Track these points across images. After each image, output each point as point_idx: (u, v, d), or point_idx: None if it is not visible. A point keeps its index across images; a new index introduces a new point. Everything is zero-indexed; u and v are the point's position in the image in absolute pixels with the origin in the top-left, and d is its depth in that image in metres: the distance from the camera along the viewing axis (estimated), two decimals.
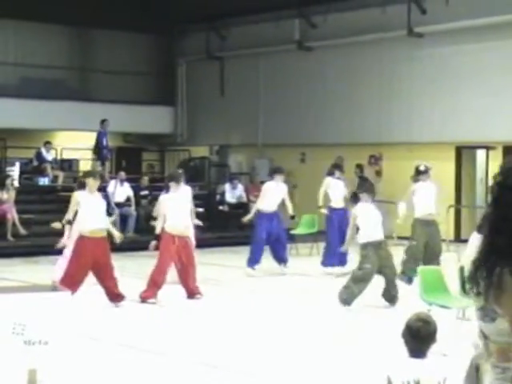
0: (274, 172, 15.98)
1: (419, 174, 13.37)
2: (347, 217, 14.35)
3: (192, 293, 12.73)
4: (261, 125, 25.77)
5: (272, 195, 15.50)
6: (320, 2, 23.67)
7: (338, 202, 16.01)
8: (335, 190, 16.02)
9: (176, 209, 12.53)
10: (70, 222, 11.83)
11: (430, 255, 13.35)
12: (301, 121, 24.48)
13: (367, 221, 11.86)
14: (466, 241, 10.52)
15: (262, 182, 23.31)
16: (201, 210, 21.97)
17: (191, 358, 9.08)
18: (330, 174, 16.07)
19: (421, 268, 11.21)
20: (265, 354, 9.42)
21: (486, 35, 20.54)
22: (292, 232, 18.80)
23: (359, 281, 11.80)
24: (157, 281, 12.47)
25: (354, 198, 12.50)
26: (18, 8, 23.97)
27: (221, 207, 22.46)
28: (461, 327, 9.36)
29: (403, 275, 13.09)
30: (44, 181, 22.30)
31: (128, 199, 20.98)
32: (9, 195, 19.19)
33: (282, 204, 15.91)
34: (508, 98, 20.35)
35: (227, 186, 22.67)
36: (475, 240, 9.59)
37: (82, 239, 11.59)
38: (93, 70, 26.91)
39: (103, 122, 23.17)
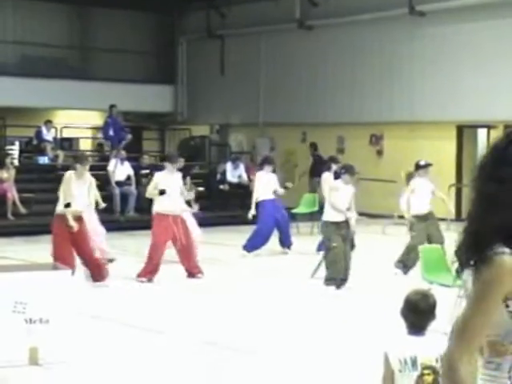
0: (263, 163, 15.99)
1: (419, 168, 13.31)
2: None
3: (192, 272, 12.74)
4: (261, 104, 25.71)
5: (266, 184, 15.50)
6: None
7: None
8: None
9: (169, 189, 12.53)
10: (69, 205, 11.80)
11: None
12: (302, 100, 24.42)
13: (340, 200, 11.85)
14: None
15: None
16: (201, 188, 22.00)
17: (191, 336, 9.09)
18: (328, 168, 15.88)
19: (422, 247, 11.20)
20: (265, 332, 9.43)
21: (488, 14, 20.43)
22: (293, 211, 18.80)
23: (335, 261, 11.79)
24: (153, 259, 12.49)
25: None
26: None
27: (221, 186, 22.43)
28: (461, 305, 9.36)
29: (400, 263, 13.10)
30: (44, 160, 22.25)
31: (128, 178, 20.95)
32: (9, 174, 19.18)
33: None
34: (509, 76, 20.28)
35: (229, 166, 22.60)
36: None
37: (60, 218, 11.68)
38: (93, 48, 26.85)
39: (111, 107, 23.11)
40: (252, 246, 15.47)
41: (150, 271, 12.50)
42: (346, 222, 11.84)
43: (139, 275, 12.49)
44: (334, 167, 15.17)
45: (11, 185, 19.08)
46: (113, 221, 19.47)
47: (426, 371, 4.79)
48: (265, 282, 12.77)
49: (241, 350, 8.60)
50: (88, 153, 25.06)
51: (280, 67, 24.98)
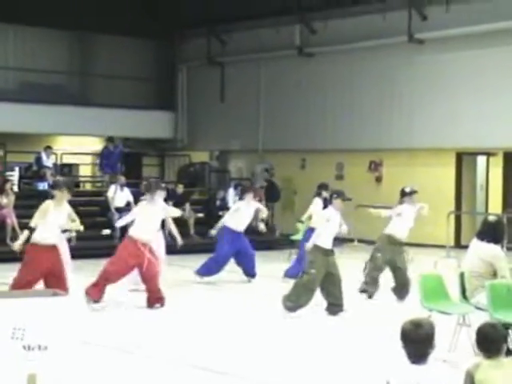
0: (243, 192, 15.94)
1: (404, 195, 13.38)
2: None
3: (152, 300, 12.53)
4: (261, 130, 25.78)
5: (242, 216, 15.37)
6: (320, 8, 23.72)
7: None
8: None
9: (147, 219, 12.48)
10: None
11: (397, 267, 13.31)
12: (301, 126, 24.49)
13: (327, 227, 11.83)
14: (466, 247, 10.51)
15: (262, 187, 23.43)
16: (200, 214, 22.01)
17: (189, 362, 9.05)
18: (318, 194, 15.90)
19: (421, 274, 11.16)
20: (255, 355, 9.40)
21: (486, 41, 20.57)
22: (292, 238, 18.82)
23: (306, 288, 11.73)
24: (108, 278, 12.36)
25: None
26: (19, 12, 24.00)
27: (221, 212, 22.40)
28: (461, 333, 9.35)
29: (366, 286, 13.20)
30: (44, 185, 22.25)
31: (128, 204, 20.95)
32: (8, 200, 19.16)
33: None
34: (508, 104, 20.38)
35: (231, 191, 22.63)
36: (474, 246, 9.54)
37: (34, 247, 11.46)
38: (93, 74, 26.94)
39: (107, 140, 23.31)
40: (207, 272, 15.24)
41: (100, 290, 12.37)
42: (332, 250, 11.92)
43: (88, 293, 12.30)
44: (324, 194, 15.19)
45: (10, 211, 19.05)
46: (112, 246, 19.45)
47: None
48: (261, 306, 12.74)
49: (230, 373, 8.58)
50: (87, 178, 25.23)
51: (279, 94, 25.08)
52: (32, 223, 11.43)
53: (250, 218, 15.60)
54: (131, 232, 12.57)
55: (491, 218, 10.13)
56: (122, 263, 12.41)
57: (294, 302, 11.78)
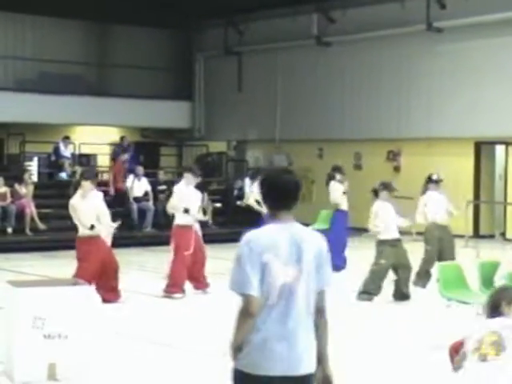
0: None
1: (431, 182, 13.42)
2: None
3: (199, 285, 12.70)
4: (278, 120, 25.77)
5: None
6: None
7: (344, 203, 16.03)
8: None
9: (191, 201, 12.54)
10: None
11: (445, 259, 13.29)
12: (318, 116, 24.47)
13: (386, 218, 11.94)
14: (484, 236, 10.49)
15: None
16: (218, 204, 22.04)
17: (206, 349, 9.06)
18: (332, 177, 16.04)
19: (440, 264, 11.18)
20: None
21: (505, 30, 20.47)
22: (309, 227, 18.77)
23: (376, 277, 11.90)
24: (177, 272, 12.42)
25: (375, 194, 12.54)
26: (36, 3, 24.06)
27: (239, 202, 22.44)
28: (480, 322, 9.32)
29: (418, 279, 13.14)
30: (62, 175, 22.36)
31: (146, 194, 21.02)
32: (27, 190, 19.32)
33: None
34: None
35: (247, 181, 22.63)
36: None
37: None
38: (111, 64, 27.01)
39: (121, 138, 23.38)
40: None
41: (176, 284, 12.42)
42: (399, 240, 12.09)
43: (166, 291, 12.42)
44: (338, 177, 15.68)
45: (29, 200, 19.21)
46: (131, 237, 19.55)
47: None
48: None
49: None
50: (104, 168, 25.29)
51: (297, 83, 25.05)
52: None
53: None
54: (179, 220, 12.55)
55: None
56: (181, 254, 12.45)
57: (370, 290, 12.01)
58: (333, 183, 15.94)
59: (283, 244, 4.29)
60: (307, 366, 4.28)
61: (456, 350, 6.11)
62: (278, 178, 4.44)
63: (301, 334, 4.26)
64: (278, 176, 4.46)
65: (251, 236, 4.30)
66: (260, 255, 4.23)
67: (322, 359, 4.35)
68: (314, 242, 4.41)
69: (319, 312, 4.35)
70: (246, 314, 4.21)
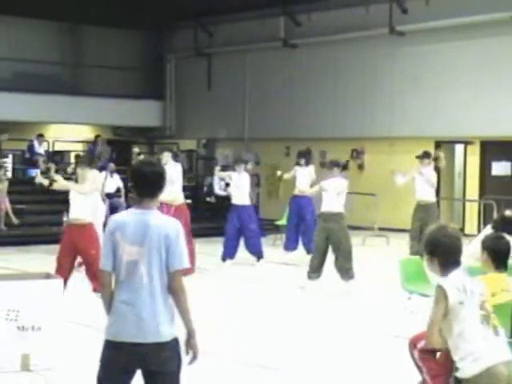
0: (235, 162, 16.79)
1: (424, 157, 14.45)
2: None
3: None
4: (247, 119, 26.30)
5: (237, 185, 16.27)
6: (304, 1, 24.08)
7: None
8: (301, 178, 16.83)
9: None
10: None
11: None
12: (286, 116, 24.97)
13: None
14: None
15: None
16: (189, 201, 22.59)
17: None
18: (296, 163, 16.93)
19: (401, 259, 11.64)
20: (255, 340, 9.63)
21: (465, 34, 21.02)
22: (276, 223, 19.44)
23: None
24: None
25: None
26: (10, 4, 24.25)
27: (208, 199, 23.02)
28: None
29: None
30: (36, 172, 22.76)
31: (118, 190, 21.47)
32: (2, 186, 19.61)
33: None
34: (485, 94, 20.86)
35: (216, 179, 23.18)
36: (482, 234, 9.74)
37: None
38: (84, 64, 27.35)
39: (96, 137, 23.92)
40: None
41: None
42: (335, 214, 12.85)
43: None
44: (301, 162, 16.88)
45: (4, 196, 19.50)
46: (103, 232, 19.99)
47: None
48: (251, 292, 13.00)
49: (236, 359, 8.70)
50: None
51: (265, 84, 25.56)
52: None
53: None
54: None
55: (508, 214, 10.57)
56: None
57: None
58: (311, 168, 16.76)
59: (131, 226, 4.92)
60: (154, 334, 4.89)
61: (415, 345, 6.38)
62: (139, 170, 5.03)
63: (146, 305, 4.88)
64: (139, 168, 5.05)
65: (112, 218, 5.06)
66: (112, 235, 4.96)
67: (186, 327, 4.96)
68: (162, 226, 4.92)
69: (174, 290, 4.91)
70: (103, 286, 5.01)
